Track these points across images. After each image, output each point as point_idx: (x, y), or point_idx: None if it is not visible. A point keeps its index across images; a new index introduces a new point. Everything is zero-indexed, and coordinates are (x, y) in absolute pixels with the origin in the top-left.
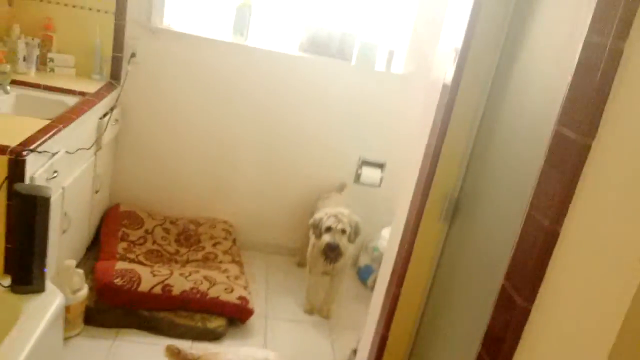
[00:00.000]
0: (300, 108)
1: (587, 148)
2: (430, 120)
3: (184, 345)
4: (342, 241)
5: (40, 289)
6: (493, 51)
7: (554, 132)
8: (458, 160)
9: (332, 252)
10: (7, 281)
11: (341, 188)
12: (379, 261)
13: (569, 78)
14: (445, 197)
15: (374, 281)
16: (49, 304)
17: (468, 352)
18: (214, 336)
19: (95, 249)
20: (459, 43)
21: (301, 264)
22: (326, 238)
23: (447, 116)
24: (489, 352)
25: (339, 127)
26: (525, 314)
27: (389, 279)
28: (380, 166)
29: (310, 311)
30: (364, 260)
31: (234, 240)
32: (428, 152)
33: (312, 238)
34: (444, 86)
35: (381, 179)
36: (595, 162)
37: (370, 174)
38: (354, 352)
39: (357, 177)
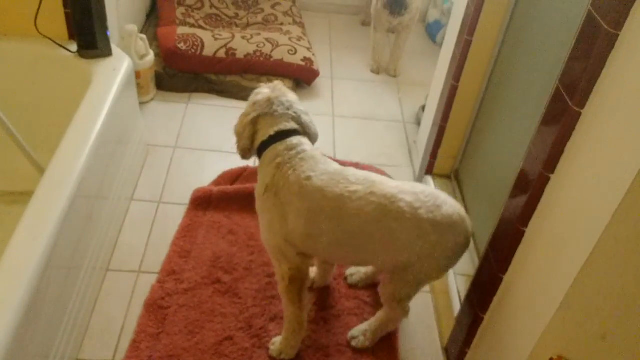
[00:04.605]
0: None
1: None
2: None
3: None
4: None
5: (107, 53)
6: None
7: None
8: None
9: (397, 3)
10: (74, 47)
11: None
12: (449, 15)
13: None
14: None
15: (443, 37)
16: (119, 66)
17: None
18: None
19: (155, 15)
20: None
21: (366, 23)
22: None
23: None
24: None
25: None
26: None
27: (459, 28)
28: None
29: (376, 70)
30: (433, 16)
31: (294, 1)
32: None
33: None
34: None
35: None
36: None
37: None
38: (422, 108)
39: None
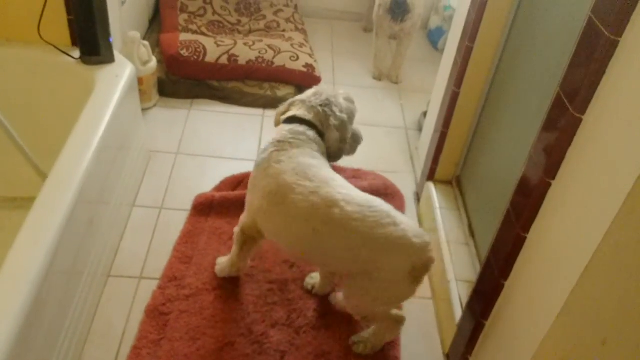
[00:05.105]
0: None
1: None
2: None
3: (255, 112)
4: None
5: (109, 59)
6: None
7: None
8: None
9: (399, 9)
10: (76, 53)
11: None
12: (450, 22)
13: None
14: None
15: (445, 44)
16: (121, 72)
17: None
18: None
19: (157, 22)
20: None
21: (367, 29)
22: None
23: None
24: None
25: None
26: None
27: (460, 35)
28: None
29: (378, 77)
30: (434, 22)
31: (296, 7)
32: None
33: None
34: None
35: None
36: None
37: None
38: (424, 114)
39: None
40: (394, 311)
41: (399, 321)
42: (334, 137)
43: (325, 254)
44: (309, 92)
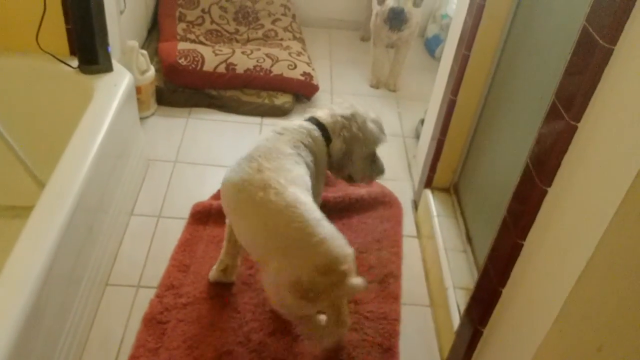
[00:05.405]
0: None
1: None
2: None
3: (253, 121)
4: (407, 5)
5: (108, 68)
6: None
7: None
8: None
9: (396, 18)
10: (75, 62)
11: None
12: (448, 30)
13: None
14: None
15: (442, 52)
16: (120, 81)
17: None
18: (281, 112)
19: (156, 31)
20: None
21: (365, 38)
22: (390, 3)
23: None
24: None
25: None
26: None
27: (457, 43)
28: None
29: (376, 85)
30: (432, 31)
31: (294, 16)
32: None
33: (375, 6)
34: None
35: None
36: None
37: None
38: (422, 122)
39: None
40: (321, 316)
41: (340, 325)
42: (338, 147)
43: (242, 233)
44: (342, 103)
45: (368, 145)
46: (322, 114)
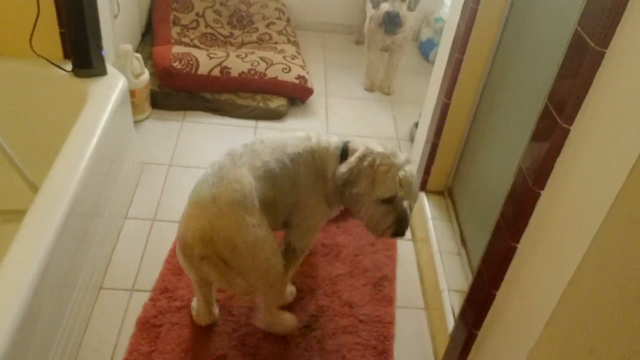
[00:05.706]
0: None
1: None
2: None
3: (248, 124)
4: (402, 9)
5: (101, 72)
6: None
7: None
8: None
9: (391, 22)
10: (68, 66)
11: None
12: (441, 34)
13: None
14: None
15: (436, 56)
16: (114, 85)
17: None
18: (276, 115)
19: (150, 35)
20: None
21: (359, 42)
22: (385, 7)
23: None
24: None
25: None
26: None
27: (450, 46)
28: None
29: (370, 88)
30: (425, 34)
31: (288, 20)
32: None
33: (370, 10)
34: None
35: None
36: None
37: None
38: (416, 125)
39: None
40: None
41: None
42: (340, 170)
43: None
44: (390, 148)
45: (379, 188)
46: (360, 142)
